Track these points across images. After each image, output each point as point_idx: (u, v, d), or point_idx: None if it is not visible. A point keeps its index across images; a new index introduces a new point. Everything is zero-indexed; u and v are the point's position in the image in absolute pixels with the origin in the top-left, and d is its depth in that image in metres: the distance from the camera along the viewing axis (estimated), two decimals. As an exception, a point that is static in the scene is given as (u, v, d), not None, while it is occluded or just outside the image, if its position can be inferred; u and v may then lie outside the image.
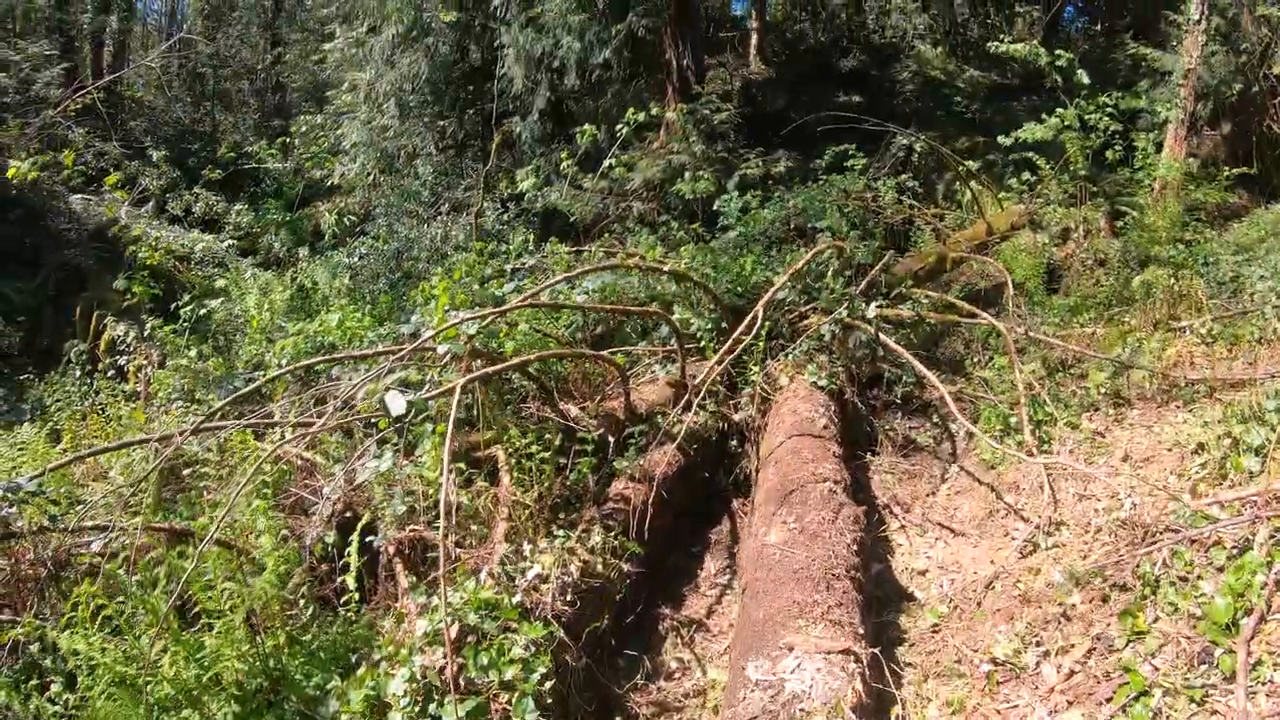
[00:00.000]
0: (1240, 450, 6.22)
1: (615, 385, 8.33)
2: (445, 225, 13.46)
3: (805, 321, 8.94)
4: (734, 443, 8.19)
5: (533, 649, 4.62)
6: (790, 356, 8.37)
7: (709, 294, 8.63)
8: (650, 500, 6.47)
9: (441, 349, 6.34)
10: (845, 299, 8.64)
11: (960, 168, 11.91)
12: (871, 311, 8.71)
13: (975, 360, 9.47)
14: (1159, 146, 11.83)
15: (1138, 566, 5.72)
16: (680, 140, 13.51)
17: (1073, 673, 5.26)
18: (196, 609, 4.93)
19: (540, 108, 14.82)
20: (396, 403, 5.16)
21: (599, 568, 5.65)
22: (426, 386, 6.27)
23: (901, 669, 5.48)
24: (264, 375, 7.68)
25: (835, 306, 8.53)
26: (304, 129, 19.01)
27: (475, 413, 6.75)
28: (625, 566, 5.91)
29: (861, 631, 4.78)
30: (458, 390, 5.31)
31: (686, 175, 12.30)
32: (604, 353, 8.52)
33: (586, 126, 12.28)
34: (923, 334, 9.65)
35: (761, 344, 8.17)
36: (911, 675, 5.55)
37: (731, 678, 4.66)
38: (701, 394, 7.66)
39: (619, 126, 12.19)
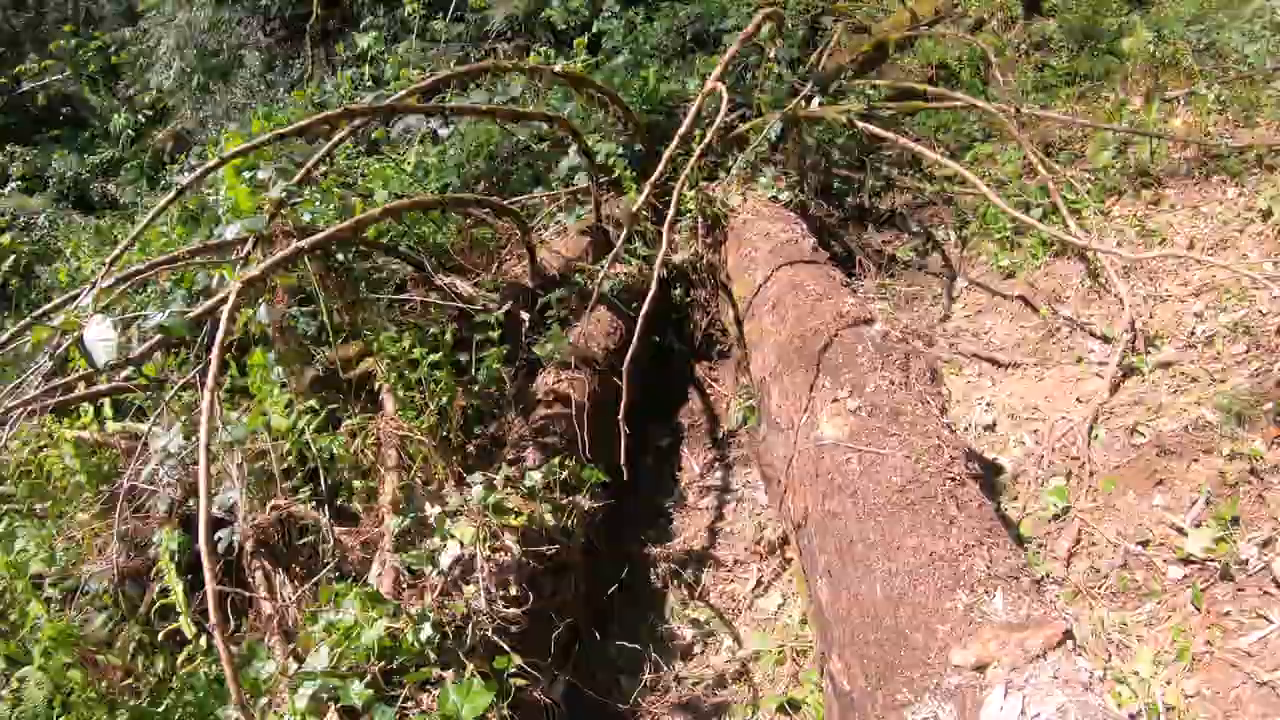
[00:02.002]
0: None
1: (515, 247, 5.59)
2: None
3: (734, 133, 6.23)
4: (678, 291, 5.56)
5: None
6: (734, 171, 5.70)
7: (618, 106, 5.83)
8: (595, 392, 3.90)
9: (230, 231, 3.58)
10: (791, 89, 5.95)
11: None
12: (815, 106, 6.06)
13: (930, 162, 6.87)
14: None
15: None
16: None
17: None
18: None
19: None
20: (100, 342, 2.39)
21: (547, 518, 3.07)
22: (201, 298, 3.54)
23: (1041, 589, 3.05)
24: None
25: (783, 99, 5.85)
26: (113, 47, 14.75)
27: (329, 320, 3.98)
28: (587, 503, 3.32)
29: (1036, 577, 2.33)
30: (233, 295, 2.59)
31: (555, 1, 9.20)
32: (493, 198, 5.73)
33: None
34: (856, 140, 7.00)
35: (694, 160, 5.48)
36: (1061, 596, 3.15)
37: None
38: (631, 230, 5.00)
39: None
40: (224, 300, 2.88)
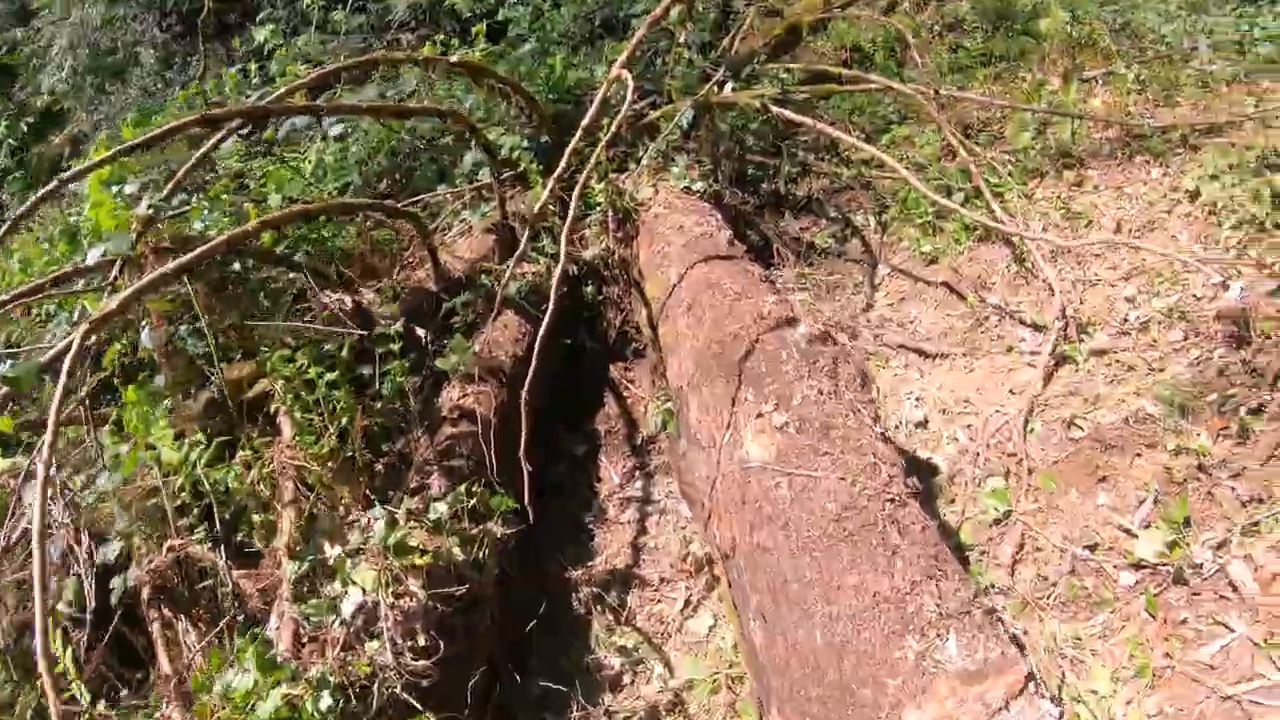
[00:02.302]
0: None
1: (419, 248, 5.21)
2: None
3: (644, 121, 5.90)
4: (590, 288, 5.24)
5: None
6: (644, 162, 5.38)
7: (521, 96, 5.45)
8: (502, 405, 3.57)
9: (92, 254, 3.18)
10: (703, 75, 5.64)
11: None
12: (728, 91, 5.77)
13: (847, 146, 6.62)
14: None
15: (1270, 368, 3.22)
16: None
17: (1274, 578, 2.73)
18: None
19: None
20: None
21: (456, 553, 2.74)
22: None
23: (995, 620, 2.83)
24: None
25: (694, 85, 5.54)
26: (3, 48, 13.71)
27: (215, 341, 3.57)
28: (499, 530, 2.99)
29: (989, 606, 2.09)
30: (76, 342, 2.23)
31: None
32: (389, 202, 5.34)
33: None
34: (771, 125, 6.73)
35: (602, 151, 5.15)
36: (1009, 608, 2.93)
37: None
38: (536, 227, 4.66)
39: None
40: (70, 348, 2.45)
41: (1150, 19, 6.51)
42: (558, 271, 3.44)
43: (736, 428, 2.63)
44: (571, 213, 3.97)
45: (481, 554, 3.11)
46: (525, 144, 5.77)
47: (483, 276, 4.90)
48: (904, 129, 6.19)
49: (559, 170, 4.23)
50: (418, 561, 2.83)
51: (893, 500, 2.29)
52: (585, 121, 4.01)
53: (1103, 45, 6.28)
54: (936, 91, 5.57)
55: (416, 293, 4.86)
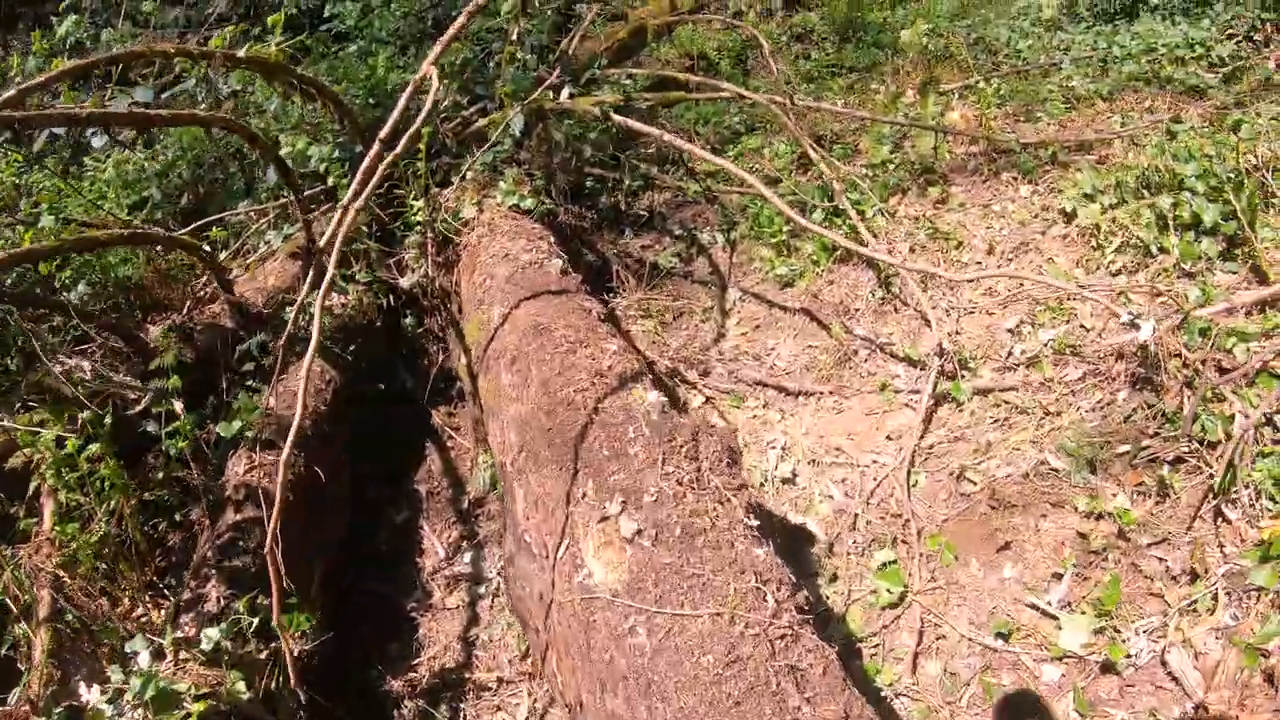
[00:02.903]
0: (1173, 227, 3.46)
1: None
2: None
3: (471, 129, 5.16)
4: (409, 320, 4.49)
5: None
6: (469, 174, 4.65)
7: (327, 98, 4.63)
8: (300, 475, 2.84)
9: None
10: (536, 80, 4.93)
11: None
12: (565, 97, 5.12)
13: (693, 158, 6.07)
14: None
15: (1185, 415, 2.82)
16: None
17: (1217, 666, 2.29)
18: None
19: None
20: None
21: (239, 689, 2.01)
22: None
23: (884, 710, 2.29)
24: None
25: (527, 89, 4.82)
26: None
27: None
28: (296, 647, 2.23)
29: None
30: None
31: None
32: (178, 234, 4.47)
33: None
34: (611, 135, 6.11)
35: (421, 164, 4.42)
36: (916, 715, 2.37)
37: None
38: (336, 254, 3.88)
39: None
40: None
41: (1004, 34, 6.22)
42: (318, 300, 2.70)
43: (574, 537, 1.96)
44: (332, 234, 3.24)
45: (276, 682, 2.36)
46: (337, 155, 4.98)
47: (287, 310, 4.11)
48: (753, 140, 5.68)
49: (354, 186, 3.46)
50: (192, 709, 2.07)
51: (784, 636, 1.67)
52: (384, 132, 3.25)
53: (959, 58, 5.95)
54: (791, 100, 5.09)
55: (211, 330, 4.03)
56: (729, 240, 5.12)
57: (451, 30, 4.33)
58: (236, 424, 3.26)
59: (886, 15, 7.02)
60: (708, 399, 4.07)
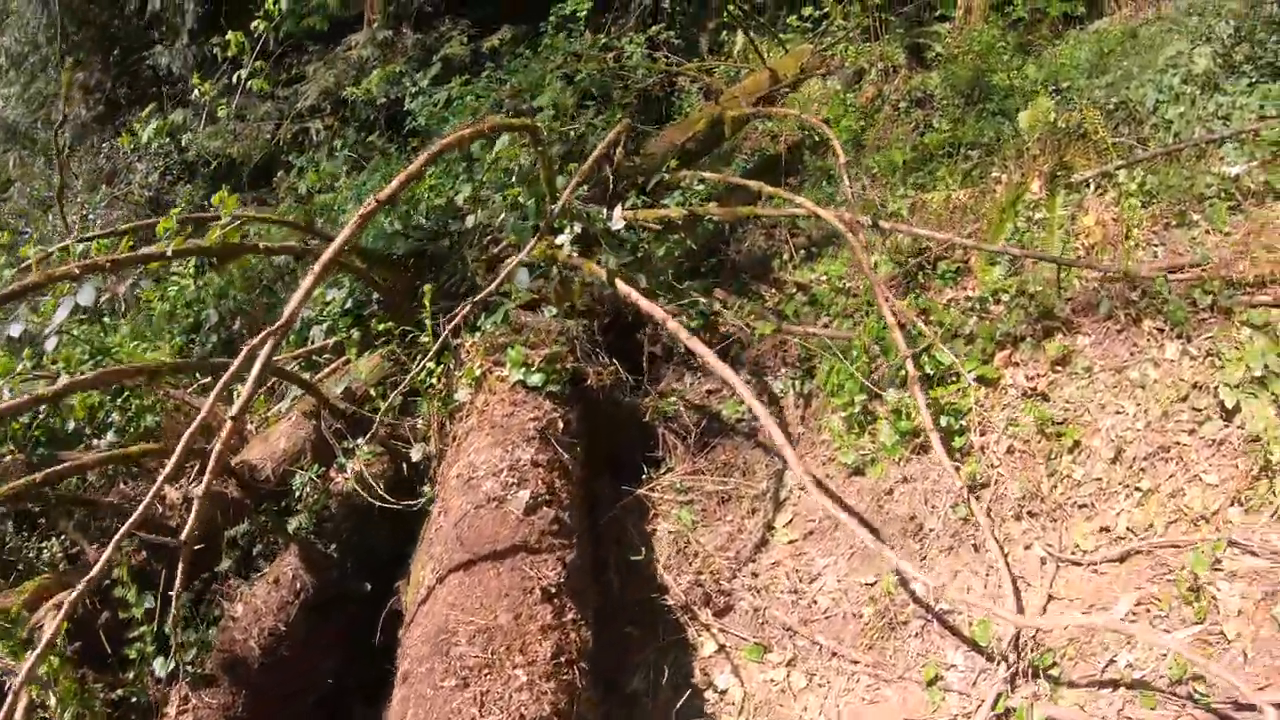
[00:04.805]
0: None
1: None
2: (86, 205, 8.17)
3: (507, 261, 4.34)
4: (430, 489, 3.81)
5: None
6: (478, 335, 3.87)
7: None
8: None
9: None
10: (562, 214, 4.07)
11: (729, 5, 7.25)
12: (617, 220, 4.29)
13: (790, 258, 5.02)
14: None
15: None
16: (382, 25, 8.34)
17: None
18: None
19: (191, 26, 9.26)
20: None
21: None
22: None
23: None
24: None
25: (526, 236, 3.95)
26: None
27: None
28: None
29: None
30: None
31: (375, 75, 7.24)
32: (182, 392, 4.09)
33: (231, 35, 7.03)
34: (703, 233, 5.18)
35: (427, 317, 3.75)
36: None
37: None
38: (344, 425, 3.38)
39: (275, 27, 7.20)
40: None
41: (1150, 95, 4.73)
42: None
43: None
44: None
45: None
46: (348, 304, 4.42)
47: (296, 479, 3.60)
48: (838, 265, 4.59)
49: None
50: None
51: None
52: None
53: (1097, 136, 4.61)
54: (875, 223, 4.05)
55: (219, 502, 3.58)
56: (802, 393, 4.13)
57: (419, 161, 3.52)
58: (171, 665, 2.91)
59: (1014, 75, 5.59)
60: (721, 647, 3.13)
